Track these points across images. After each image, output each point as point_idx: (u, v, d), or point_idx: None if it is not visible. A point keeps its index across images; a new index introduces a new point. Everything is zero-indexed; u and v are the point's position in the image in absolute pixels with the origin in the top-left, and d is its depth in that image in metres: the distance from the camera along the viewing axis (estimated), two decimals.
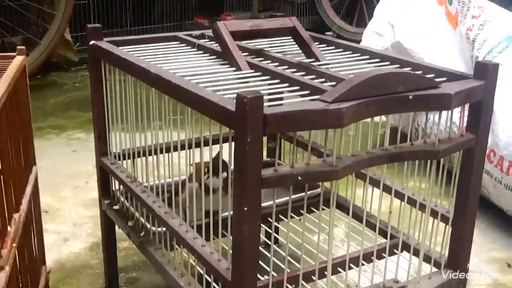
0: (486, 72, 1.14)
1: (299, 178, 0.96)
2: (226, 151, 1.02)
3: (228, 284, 1.02)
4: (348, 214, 1.48)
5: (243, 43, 1.43)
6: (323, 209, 1.52)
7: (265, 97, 1.02)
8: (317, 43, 1.46)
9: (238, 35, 1.32)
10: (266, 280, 1.07)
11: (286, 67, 1.26)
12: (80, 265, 1.76)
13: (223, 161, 1.18)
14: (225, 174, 1.26)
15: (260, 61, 1.30)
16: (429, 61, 2.40)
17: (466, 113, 1.18)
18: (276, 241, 1.65)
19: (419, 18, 2.52)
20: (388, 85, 1.02)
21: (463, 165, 1.20)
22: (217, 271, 1.05)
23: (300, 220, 1.49)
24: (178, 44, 1.49)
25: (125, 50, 1.36)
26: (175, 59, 1.33)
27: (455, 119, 2.02)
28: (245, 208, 0.93)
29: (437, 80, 1.14)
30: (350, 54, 1.41)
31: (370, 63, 1.34)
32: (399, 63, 1.31)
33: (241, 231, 0.94)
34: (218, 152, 1.19)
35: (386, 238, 1.34)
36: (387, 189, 1.35)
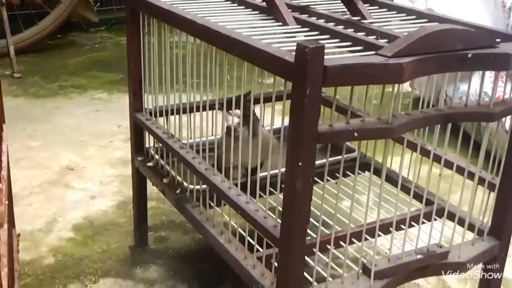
0: None
1: (355, 134, 0.93)
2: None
3: (276, 242, 0.99)
4: (387, 181, 1.47)
5: (286, 0, 1.39)
6: (358, 173, 1.51)
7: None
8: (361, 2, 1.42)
9: None
10: (314, 238, 1.05)
11: (334, 23, 1.22)
12: (108, 223, 1.75)
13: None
14: (238, 111, 1.22)
15: (307, 17, 1.26)
16: None
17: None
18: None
19: None
20: (448, 42, 0.98)
21: None
22: (264, 228, 1.02)
23: (336, 183, 1.47)
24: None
25: (166, 2, 1.33)
26: (217, 13, 1.29)
27: (487, 89, 1.99)
28: (300, 163, 0.90)
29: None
30: (395, 13, 1.37)
31: (418, 22, 1.30)
32: (450, 23, 1.26)
33: (294, 187, 0.92)
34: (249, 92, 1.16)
35: (423, 204, 1.33)
36: (426, 154, 1.32)
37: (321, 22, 1.21)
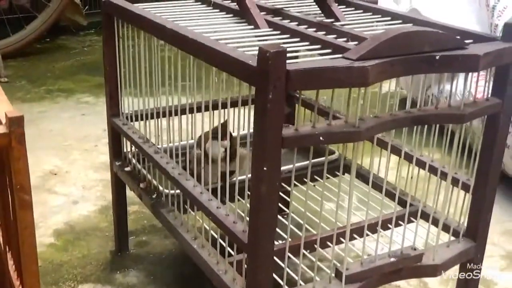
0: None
1: (321, 138, 0.92)
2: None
3: (244, 247, 0.99)
4: (362, 181, 1.46)
5: (262, 2, 1.39)
6: (336, 175, 1.51)
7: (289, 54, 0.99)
8: (337, 4, 1.42)
9: None
10: (282, 244, 1.04)
11: (306, 26, 1.22)
12: (90, 228, 1.75)
13: (226, 129, 1.15)
14: (226, 143, 1.21)
15: (280, 20, 1.26)
16: None
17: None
18: (287, 207, 1.63)
19: None
20: (415, 44, 0.97)
21: (486, 131, 1.16)
22: (233, 233, 1.02)
23: (314, 185, 1.46)
24: (192, 2, 1.45)
25: (139, 7, 1.32)
26: (190, 17, 1.29)
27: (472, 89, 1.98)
28: (265, 168, 0.90)
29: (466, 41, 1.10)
30: (370, 15, 1.37)
31: (391, 24, 1.30)
32: (423, 25, 1.26)
33: (259, 192, 0.91)
34: (225, 121, 1.16)
35: (401, 206, 1.32)
36: (405, 156, 1.32)
37: (293, 24, 1.21)
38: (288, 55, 1.02)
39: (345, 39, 1.12)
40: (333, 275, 1.07)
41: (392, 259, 1.12)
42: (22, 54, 3.34)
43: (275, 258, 1.01)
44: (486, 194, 1.20)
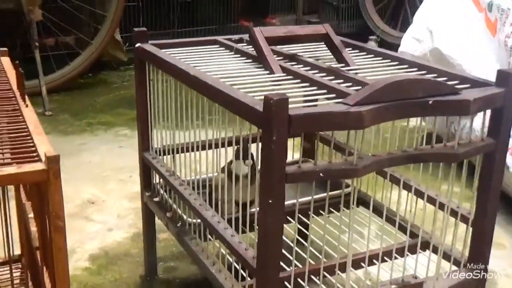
0: (507, 79, 1.19)
1: (321, 174, 1.03)
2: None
3: (254, 272, 1.10)
4: (376, 214, 1.56)
5: (279, 47, 1.51)
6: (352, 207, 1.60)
7: (297, 99, 1.11)
8: (350, 48, 1.55)
9: (272, 41, 1.40)
10: (289, 271, 1.15)
11: (316, 71, 1.34)
12: (122, 253, 1.88)
13: (247, 149, 1.28)
14: (250, 161, 1.36)
15: (293, 65, 1.38)
16: (467, 67, 2.45)
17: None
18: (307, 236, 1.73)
19: (458, 25, 2.56)
20: (408, 91, 1.08)
21: (483, 168, 1.25)
22: (244, 259, 1.13)
23: (328, 216, 1.57)
24: (217, 47, 1.59)
25: (168, 53, 1.46)
26: (214, 62, 1.43)
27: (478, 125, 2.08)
28: (270, 201, 1.01)
29: (460, 86, 1.20)
30: (380, 60, 1.48)
31: (398, 69, 1.40)
32: (427, 70, 1.37)
33: (266, 222, 1.03)
34: (243, 141, 1.28)
35: (410, 237, 1.42)
36: (410, 190, 1.42)
37: (304, 70, 1.33)
38: (301, 99, 1.17)
39: (350, 84, 1.24)
40: None
41: (393, 286, 1.21)
42: (66, 89, 3.55)
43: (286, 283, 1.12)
44: (485, 226, 1.29)
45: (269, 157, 0.99)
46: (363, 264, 1.34)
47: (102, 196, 2.27)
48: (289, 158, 1.37)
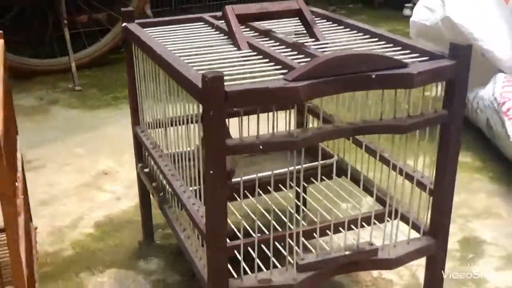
0: (457, 52, 1.21)
1: (260, 147, 1.10)
2: None
3: (205, 236, 1.18)
4: (355, 183, 1.60)
5: (257, 24, 1.56)
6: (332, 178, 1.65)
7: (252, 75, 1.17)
8: (331, 23, 1.59)
9: (244, 18, 1.46)
10: (238, 241, 1.23)
11: (283, 47, 1.39)
12: (126, 221, 2.00)
13: None
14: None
15: (263, 41, 1.44)
16: (478, 36, 2.43)
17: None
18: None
19: None
20: (350, 65, 1.12)
21: (440, 139, 1.28)
22: (199, 227, 1.21)
23: (307, 186, 1.63)
24: (201, 25, 1.65)
25: (148, 32, 1.54)
26: (189, 40, 1.49)
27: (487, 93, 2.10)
28: (211, 172, 1.08)
29: (418, 59, 1.24)
30: (356, 34, 1.51)
31: (367, 43, 1.43)
32: (392, 43, 1.39)
33: (209, 192, 1.10)
34: None
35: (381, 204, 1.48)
36: (383, 161, 1.46)
37: (270, 46, 1.38)
38: (255, 74, 1.22)
39: (309, 59, 1.28)
40: (290, 264, 1.24)
41: (347, 252, 1.27)
42: (97, 65, 3.69)
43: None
44: (443, 196, 1.32)
45: (209, 130, 1.06)
46: (328, 232, 1.40)
47: (116, 167, 2.39)
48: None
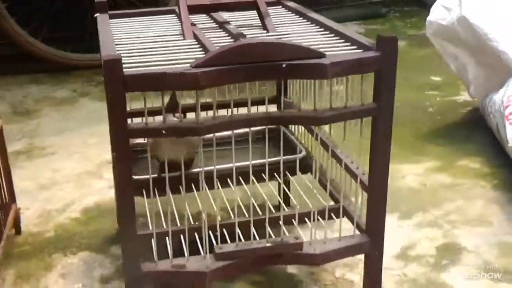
0: (383, 44, 1.17)
1: (163, 132, 1.11)
2: None
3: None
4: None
5: (222, 15, 1.57)
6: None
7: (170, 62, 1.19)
8: (295, 15, 1.58)
9: (196, 9, 1.47)
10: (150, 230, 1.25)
11: (228, 38, 1.39)
12: (113, 208, 2.05)
13: (177, 103, 1.36)
14: (178, 115, 1.44)
15: (214, 32, 1.45)
16: (494, 37, 2.32)
17: None
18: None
19: None
20: (260, 54, 1.12)
21: (372, 132, 1.25)
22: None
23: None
24: (171, 16, 1.68)
25: (111, 22, 1.59)
26: (147, 30, 1.52)
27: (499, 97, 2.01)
28: (114, 154, 1.11)
29: (346, 50, 1.22)
30: (311, 26, 1.49)
31: (318, 34, 1.41)
32: (335, 34, 1.36)
33: (116, 172, 1.13)
34: (172, 94, 1.38)
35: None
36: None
37: (214, 37, 1.39)
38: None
39: None
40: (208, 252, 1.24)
41: (268, 244, 1.26)
42: None
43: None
44: (377, 191, 1.28)
45: (110, 114, 1.09)
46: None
47: None
48: None
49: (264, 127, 1.67)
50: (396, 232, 1.86)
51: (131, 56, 1.23)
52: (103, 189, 2.20)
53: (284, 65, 1.12)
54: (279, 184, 1.70)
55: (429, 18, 2.59)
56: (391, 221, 1.87)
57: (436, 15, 2.55)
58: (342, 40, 1.33)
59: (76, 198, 2.13)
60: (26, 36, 3.52)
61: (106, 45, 1.29)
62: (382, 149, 1.24)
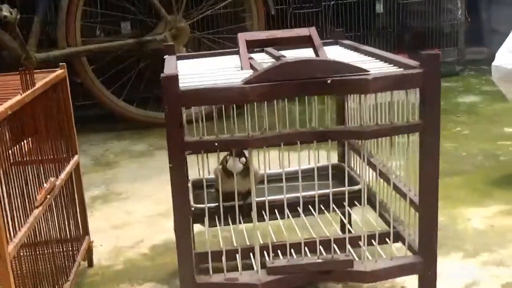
0: (425, 61, 1.22)
1: (216, 144, 1.19)
2: None
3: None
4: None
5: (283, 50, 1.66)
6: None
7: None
8: (351, 50, 1.65)
9: (253, 43, 1.57)
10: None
11: None
12: None
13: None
14: (244, 159, 1.53)
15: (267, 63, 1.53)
16: None
17: None
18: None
19: None
20: (306, 71, 1.19)
21: (419, 150, 1.27)
22: None
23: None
24: (234, 56, 1.78)
25: (180, 62, 1.70)
26: (208, 65, 1.63)
27: None
28: (171, 165, 1.19)
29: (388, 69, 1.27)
30: (363, 56, 1.55)
31: (369, 62, 1.47)
32: (385, 60, 1.41)
33: (172, 183, 1.21)
34: None
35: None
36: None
37: None
38: None
39: None
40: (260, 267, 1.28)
41: (319, 260, 1.28)
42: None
43: None
44: (427, 211, 1.29)
45: (168, 127, 1.18)
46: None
47: None
48: None
49: (327, 163, 1.75)
50: (461, 269, 1.82)
51: (188, 80, 1.33)
52: (171, 229, 2.28)
53: (329, 81, 1.18)
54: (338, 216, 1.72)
55: (494, 63, 2.58)
56: (455, 259, 1.84)
57: (502, 59, 2.55)
58: (391, 64, 1.38)
59: (146, 237, 2.23)
60: (110, 97, 3.77)
61: (168, 69, 1.40)
62: (431, 166, 1.26)
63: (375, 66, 1.35)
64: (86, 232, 1.98)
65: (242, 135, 1.19)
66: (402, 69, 1.25)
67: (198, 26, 3.96)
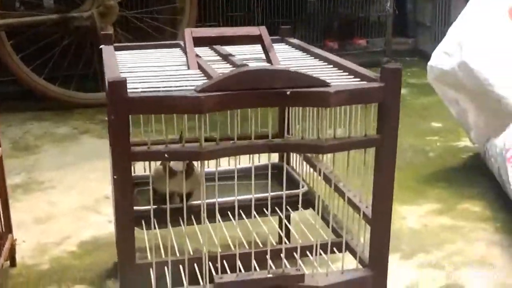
0: (387, 75, 1.18)
1: (166, 155, 1.10)
2: None
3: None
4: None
5: (226, 49, 1.59)
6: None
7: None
8: (300, 52, 1.59)
9: (202, 41, 1.48)
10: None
11: (232, 69, 1.40)
12: (111, 243, 2.01)
13: None
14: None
15: (218, 63, 1.45)
16: (494, 82, 2.34)
17: None
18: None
19: (488, 37, 2.44)
20: (264, 81, 1.12)
21: (375, 164, 1.24)
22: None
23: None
24: (176, 49, 1.69)
25: (116, 53, 1.59)
26: (150, 60, 1.53)
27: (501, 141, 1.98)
28: (115, 177, 1.10)
29: (351, 81, 1.22)
30: (315, 60, 1.50)
31: (321, 68, 1.42)
32: (344, 69, 1.37)
33: (115, 195, 1.11)
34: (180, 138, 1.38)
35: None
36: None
37: (219, 68, 1.39)
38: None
39: None
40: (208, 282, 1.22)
41: (270, 275, 1.23)
42: None
43: None
44: (380, 224, 1.26)
45: (112, 135, 1.08)
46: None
47: None
48: None
49: (266, 163, 1.69)
50: (398, 272, 1.83)
51: (135, 82, 1.23)
52: (100, 224, 2.17)
53: (288, 92, 1.12)
54: (280, 219, 1.68)
55: (430, 63, 2.61)
56: (393, 260, 1.85)
57: (437, 60, 2.58)
58: (346, 73, 1.34)
59: (74, 232, 2.11)
60: (30, 74, 3.55)
61: (110, 68, 1.29)
62: (386, 181, 1.23)
63: (332, 75, 1.30)
64: (9, 229, 1.84)
65: (194, 146, 1.11)
66: (362, 81, 1.21)
67: (127, 4, 3.79)
